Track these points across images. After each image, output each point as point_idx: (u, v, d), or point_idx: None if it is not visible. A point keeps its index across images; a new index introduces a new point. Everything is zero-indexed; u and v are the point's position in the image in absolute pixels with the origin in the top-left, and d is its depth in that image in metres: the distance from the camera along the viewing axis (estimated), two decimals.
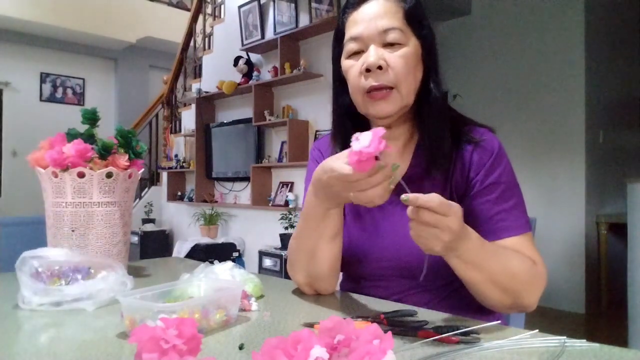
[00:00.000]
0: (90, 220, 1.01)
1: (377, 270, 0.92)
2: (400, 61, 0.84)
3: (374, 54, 0.83)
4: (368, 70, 0.84)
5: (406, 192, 0.67)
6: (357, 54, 0.87)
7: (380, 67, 0.83)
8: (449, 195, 0.89)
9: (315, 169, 1.02)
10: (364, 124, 0.95)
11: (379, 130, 0.64)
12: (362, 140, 0.65)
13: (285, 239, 3.71)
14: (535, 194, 3.95)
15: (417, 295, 0.90)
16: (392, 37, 0.84)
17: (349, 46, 0.87)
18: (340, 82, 0.94)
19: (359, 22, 0.86)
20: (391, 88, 0.84)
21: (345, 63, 0.89)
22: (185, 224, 5.07)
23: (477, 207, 0.86)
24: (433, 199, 0.67)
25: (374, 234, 0.93)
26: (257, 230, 4.30)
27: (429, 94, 0.89)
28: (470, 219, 0.84)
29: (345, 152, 0.70)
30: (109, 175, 1.02)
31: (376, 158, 0.65)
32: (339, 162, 0.71)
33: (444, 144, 0.87)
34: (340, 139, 0.93)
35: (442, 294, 0.90)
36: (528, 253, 0.83)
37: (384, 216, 0.92)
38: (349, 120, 0.94)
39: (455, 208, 0.69)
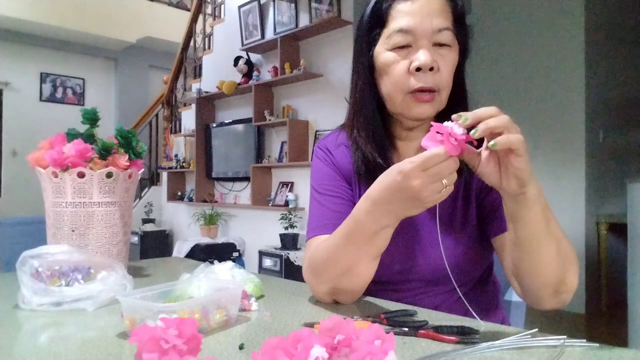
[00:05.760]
0: (90, 220, 1.01)
1: (388, 275, 0.91)
2: (448, 65, 0.81)
3: (427, 53, 0.79)
4: (418, 69, 0.79)
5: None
6: (402, 47, 0.81)
7: (431, 69, 0.79)
8: (465, 191, 0.90)
9: (325, 169, 0.96)
10: (382, 118, 0.90)
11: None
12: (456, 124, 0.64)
13: (285, 239, 3.71)
14: None
15: (428, 299, 0.90)
16: (444, 38, 0.80)
17: (396, 39, 0.81)
18: (370, 72, 0.87)
19: (412, 15, 0.80)
20: (434, 91, 0.81)
21: (388, 56, 0.82)
22: (185, 224, 5.07)
23: (497, 197, 0.85)
24: (504, 120, 0.66)
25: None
26: (257, 230, 4.30)
27: (455, 97, 0.86)
28: (491, 210, 0.86)
29: (415, 157, 0.66)
30: (109, 175, 1.02)
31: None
32: (419, 156, 0.65)
33: None
34: (372, 134, 0.88)
35: (453, 297, 0.90)
36: None
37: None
38: (379, 113, 0.89)
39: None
